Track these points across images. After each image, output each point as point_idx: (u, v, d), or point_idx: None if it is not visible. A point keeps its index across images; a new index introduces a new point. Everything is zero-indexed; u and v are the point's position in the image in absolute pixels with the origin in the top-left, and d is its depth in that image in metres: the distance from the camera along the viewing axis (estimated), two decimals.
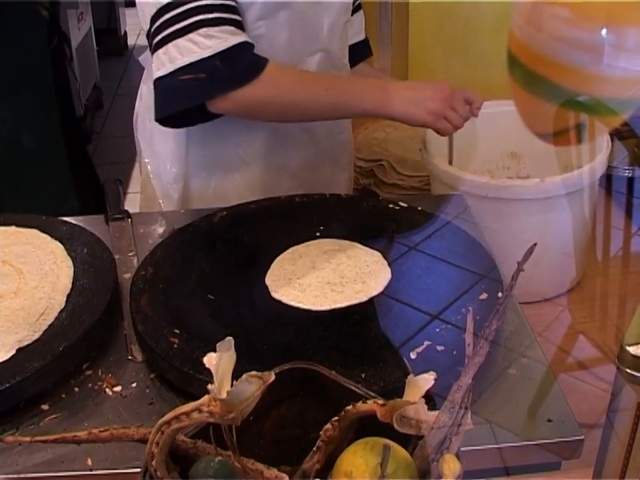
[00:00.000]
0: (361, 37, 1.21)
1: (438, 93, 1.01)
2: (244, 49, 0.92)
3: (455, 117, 1.02)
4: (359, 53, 1.21)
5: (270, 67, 0.93)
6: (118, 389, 0.73)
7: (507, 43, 0.55)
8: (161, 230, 0.97)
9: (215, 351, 0.51)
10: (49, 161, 1.86)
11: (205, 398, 0.48)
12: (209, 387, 0.48)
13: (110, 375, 0.74)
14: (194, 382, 0.68)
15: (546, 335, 0.92)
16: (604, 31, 0.49)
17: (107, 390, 0.73)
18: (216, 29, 0.89)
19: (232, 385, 0.48)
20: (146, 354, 0.76)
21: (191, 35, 0.88)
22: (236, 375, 0.49)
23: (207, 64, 0.89)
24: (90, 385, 0.73)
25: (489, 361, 0.69)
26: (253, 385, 0.47)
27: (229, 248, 0.90)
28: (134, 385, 0.73)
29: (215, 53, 0.89)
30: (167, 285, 0.82)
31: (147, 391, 0.72)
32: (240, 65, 0.91)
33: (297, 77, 0.98)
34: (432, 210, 0.97)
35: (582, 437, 0.67)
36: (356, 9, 1.18)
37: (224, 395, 0.47)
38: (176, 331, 0.74)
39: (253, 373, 0.47)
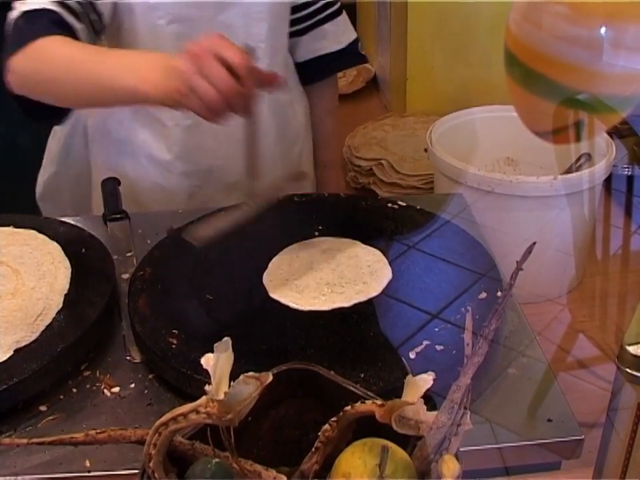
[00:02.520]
0: (335, 47, 1.17)
1: (186, 53, 0.74)
2: (44, 15, 0.86)
3: (202, 88, 0.73)
4: (331, 64, 1.18)
5: (54, 38, 0.85)
6: (116, 389, 0.73)
7: (504, 40, 0.55)
8: (158, 230, 0.97)
9: (213, 351, 0.50)
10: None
11: (203, 399, 0.48)
12: (207, 388, 0.48)
13: (108, 376, 0.74)
14: (192, 382, 0.68)
15: (546, 334, 0.92)
16: (603, 28, 0.49)
17: (105, 391, 0.72)
18: None
19: (229, 386, 0.47)
20: (144, 354, 0.75)
21: None
22: (234, 376, 0.49)
23: (12, 24, 0.88)
24: (88, 386, 0.73)
25: (488, 360, 0.68)
26: (250, 386, 0.47)
27: (226, 247, 0.90)
28: (132, 385, 0.73)
29: (19, 12, 0.88)
30: (165, 285, 0.82)
31: (146, 391, 0.72)
32: (30, 29, 0.86)
33: (70, 47, 0.86)
34: (431, 209, 0.96)
35: (582, 437, 0.66)
36: (331, 15, 1.14)
37: (221, 396, 0.47)
38: (174, 331, 0.74)
39: (251, 373, 0.47)
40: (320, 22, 1.14)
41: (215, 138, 1.07)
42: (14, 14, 0.88)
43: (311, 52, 1.16)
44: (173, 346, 0.72)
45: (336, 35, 1.16)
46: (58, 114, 0.93)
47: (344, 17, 1.17)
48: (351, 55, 1.20)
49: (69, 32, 0.88)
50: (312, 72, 1.17)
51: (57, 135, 1.15)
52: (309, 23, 1.13)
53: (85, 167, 1.14)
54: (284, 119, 1.14)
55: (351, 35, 1.19)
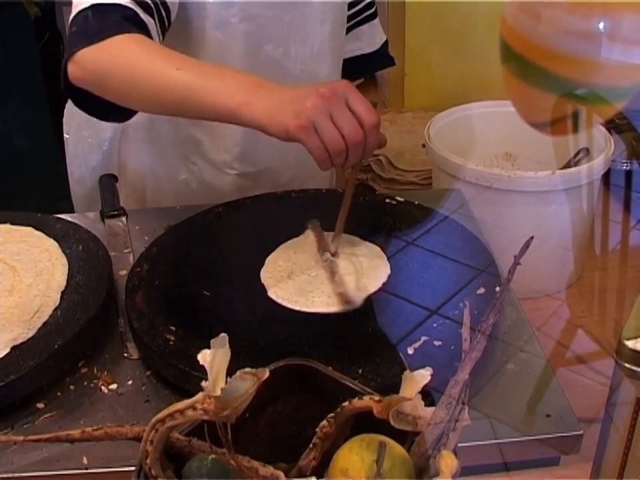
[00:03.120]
0: (370, 48, 1.17)
1: (314, 90, 0.72)
2: (117, 10, 0.81)
3: (329, 130, 0.71)
4: (365, 66, 1.18)
5: (132, 35, 0.80)
6: (114, 386, 0.72)
7: (500, 32, 0.54)
8: (156, 226, 0.97)
9: (208, 347, 0.50)
10: (42, 159, 1.85)
11: (199, 395, 0.48)
12: (203, 384, 0.48)
13: (106, 373, 0.74)
14: (190, 379, 0.68)
15: (544, 330, 0.92)
16: (600, 19, 0.49)
17: (103, 388, 0.72)
18: None
19: (226, 382, 0.47)
20: (142, 351, 0.75)
21: None
22: (230, 372, 0.49)
23: (81, 16, 0.82)
24: (85, 383, 0.73)
25: (486, 356, 0.68)
26: (247, 382, 0.47)
27: (224, 244, 0.90)
28: (130, 382, 0.73)
29: (89, 5, 0.82)
30: (163, 282, 0.82)
31: (143, 388, 0.72)
32: (103, 23, 0.81)
33: (151, 49, 0.81)
34: (430, 205, 0.96)
35: (581, 432, 0.66)
36: (370, 16, 1.15)
37: (218, 392, 0.46)
38: (172, 327, 0.74)
39: (247, 369, 0.47)
40: (360, 22, 1.14)
41: (271, 139, 1.08)
42: (81, 6, 0.82)
43: (347, 52, 1.15)
44: (171, 342, 0.72)
45: (371, 36, 1.17)
46: (122, 113, 0.87)
47: (377, 18, 1.17)
48: (382, 57, 1.21)
49: (143, 30, 0.83)
50: (346, 73, 1.16)
51: (93, 136, 1.14)
52: (351, 23, 1.14)
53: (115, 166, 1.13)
54: None
55: (383, 37, 1.19)
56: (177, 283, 0.82)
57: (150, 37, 0.84)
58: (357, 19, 1.14)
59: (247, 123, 0.75)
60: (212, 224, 0.93)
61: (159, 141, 1.09)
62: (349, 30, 1.14)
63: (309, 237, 0.89)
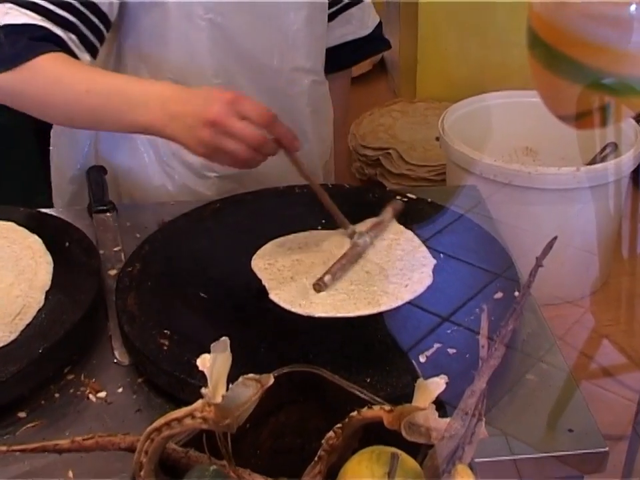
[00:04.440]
0: (362, 32, 1.18)
1: (206, 110, 0.81)
2: (27, 31, 0.87)
3: (234, 147, 0.81)
4: (357, 51, 1.19)
5: (43, 57, 0.86)
6: (102, 394, 0.73)
7: (527, 19, 0.55)
8: (148, 223, 0.98)
9: (208, 352, 0.51)
10: (18, 150, 1.86)
11: (199, 403, 0.48)
12: (203, 390, 0.49)
13: (93, 380, 0.75)
14: (185, 387, 0.69)
15: (567, 339, 0.93)
16: (633, 6, 0.49)
17: (91, 396, 0.73)
18: (21, 9, 0.87)
19: (227, 389, 0.48)
20: (133, 357, 0.76)
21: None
22: (231, 379, 0.50)
23: None
24: (72, 391, 0.74)
25: (504, 365, 0.69)
26: (250, 389, 0.48)
27: (222, 242, 0.91)
28: (120, 390, 0.74)
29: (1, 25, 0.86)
30: (156, 282, 0.83)
31: (134, 397, 0.73)
32: (13, 47, 0.86)
33: (61, 70, 0.88)
34: (443, 202, 0.97)
35: (606, 449, 0.67)
36: (354, 1, 1.16)
37: (219, 400, 0.47)
38: (166, 331, 0.75)
39: (251, 375, 0.48)
40: (347, 5, 1.15)
41: None
42: None
43: (337, 38, 1.16)
44: (165, 347, 0.73)
45: (362, 19, 1.17)
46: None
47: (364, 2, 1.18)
48: (377, 41, 1.21)
49: (61, 46, 0.89)
50: (337, 60, 1.17)
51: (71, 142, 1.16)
52: (337, 7, 1.14)
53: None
54: (323, 111, 1.16)
55: (376, 19, 1.20)
56: (172, 283, 0.83)
57: (70, 51, 0.89)
58: (342, 2, 1.15)
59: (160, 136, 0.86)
60: (209, 220, 0.94)
61: (132, 141, 1.10)
62: (336, 14, 1.15)
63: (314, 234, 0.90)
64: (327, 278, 0.79)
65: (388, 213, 0.91)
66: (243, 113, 0.81)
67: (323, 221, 0.93)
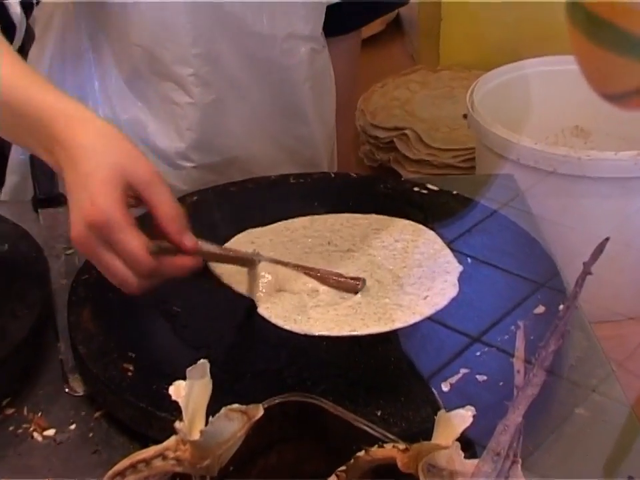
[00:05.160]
0: None
1: (85, 207, 0.73)
2: None
3: (109, 263, 0.74)
4: (368, 9, 1.20)
5: None
6: (50, 432, 0.74)
7: None
8: None
9: (183, 379, 0.52)
10: None
11: (171, 440, 0.49)
12: (177, 425, 0.49)
13: (39, 415, 0.75)
14: (154, 422, 0.70)
15: (628, 365, 0.93)
16: None
17: (36, 434, 0.73)
18: None
19: (207, 423, 0.49)
20: (89, 385, 0.77)
21: None
22: (212, 411, 0.51)
23: None
24: (11, 428, 0.74)
25: (546, 396, 0.70)
26: (234, 423, 0.49)
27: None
28: (72, 427, 0.74)
29: None
30: (119, 294, 0.83)
31: (90, 435, 0.74)
32: None
33: None
34: (472, 195, 0.98)
35: None
36: None
37: (196, 436, 0.48)
38: (130, 354, 0.76)
39: (235, 406, 0.49)
40: None
41: (240, 119, 1.10)
42: None
43: None
44: (129, 373, 0.74)
45: None
46: None
47: None
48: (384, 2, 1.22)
49: None
50: (342, 20, 1.18)
51: None
52: None
53: None
54: (324, 85, 1.17)
55: None
56: (138, 295, 0.84)
57: None
58: None
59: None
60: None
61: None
62: None
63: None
64: None
65: None
66: (121, 249, 0.73)
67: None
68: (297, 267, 0.84)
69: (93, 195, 0.72)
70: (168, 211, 0.75)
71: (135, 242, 0.72)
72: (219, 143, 1.12)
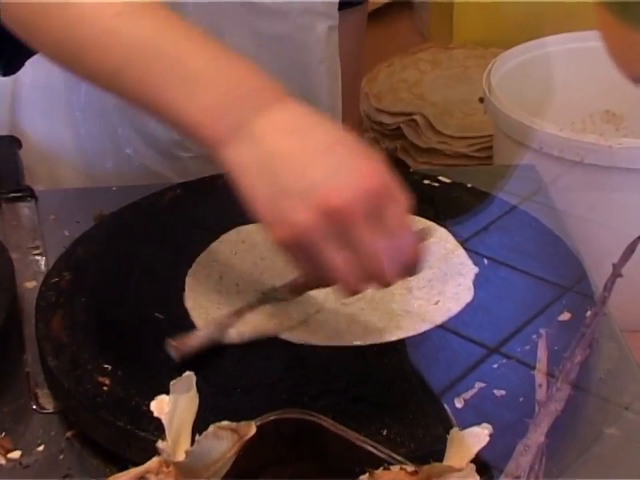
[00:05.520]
0: None
1: (332, 187, 0.65)
2: None
3: (342, 264, 0.66)
4: None
5: None
6: (16, 454, 0.74)
7: None
8: (81, 216, 0.99)
9: (166, 393, 0.53)
10: None
11: (154, 461, 0.50)
12: (159, 445, 0.50)
13: (3, 435, 0.75)
14: (133, 442, 0.69)
15: None
16: None
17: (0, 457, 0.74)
18: None
19: (193, 443, 0.49)
20: (60, 401, 0.77)
21: None
22: (199, 428, 0.51)
23: None
24: None
25: (572, 413, 0.70)
26: (223, 442, 0.49)
27: (184, 244, 0.92)
28: (41, 448, 0.74)
29: None
30: (93, 298, 0.84)
31: (61, 457, 0.74)
32: None
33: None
34: (488, 188, 0.99)
35: None
36: None
37: (181, 457, 0.49)
38: (106, 366, 0.76)
39: (224, 423, 0.49)
40: None
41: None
42: None
43: None
44: (104, 388, 0.74)
45: None
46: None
47: None
48: None
49: None
50: None
51: None
52: None
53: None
54: (335, 66, 1.18)
55: None
56: (115, 299, 0.85)
57: None
58: None
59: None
60: (165, 213, 0.96)
61: (68, 106, 1.11)
62: None
63: None
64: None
65: None
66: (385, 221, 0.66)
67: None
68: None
69: (355, 159, 0.66)
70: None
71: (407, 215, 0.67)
72: None
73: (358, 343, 0.78)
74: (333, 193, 0.64)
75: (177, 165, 1.12)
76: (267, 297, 0.80)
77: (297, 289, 0.79)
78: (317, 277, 0.71)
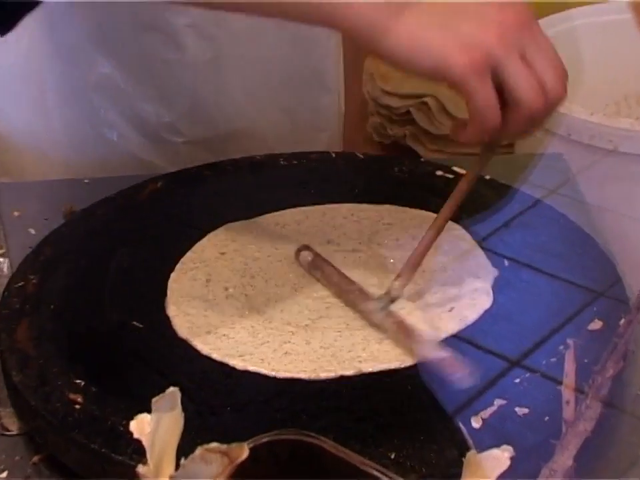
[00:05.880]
0: None
1: (491, 14, 0.78)
2: None
3: (521, 74, 0.77)
4: None
5: None
6: None
7: None
8: (49, 212, 1.00)
9: (147, 411, 0.53)
10: None
11: None
12: (140, 469, 0.50)
13: None
14: (109, 467, 0.70)
15: None
16: None
17: None
18: None
19: (178, 466, 0.50)
20: (26, 422, 0.77)
21: None
22: (184, 451, 0.51)
23: None
24: None
25: (604, 433, 0.70)
26: (212, 467, 0.49)
27: (165, 243, 0.93)
28: (3, 475, 0.74)
29: None
30: (63, 305, 0.84)
31: None
32: None
33: None
34: (509, 180, 0.99)
35: None
36: None
37: None
38: (78, 381, 0.76)
39: (213, 445, 0.49)
40: None
41: (245, 82, 1.11)
42: None
43: None
44: (76, 406, 0.74)
45: None
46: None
47: None
48: None
49: None
50: None
51: None
52: None
53: None
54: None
55: None
56: (88, 306, 0.85)
57: None
58: None
59: (374, 53, 0.81)
60: (145, 209, 0.97)
61: (37, 87, 1.12)
62: None
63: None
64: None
65: None
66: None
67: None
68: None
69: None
70: None
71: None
72: (216, 113, 1.12)
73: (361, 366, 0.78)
74: (508, 15, 0.77)
75: (167, 151, 1.13)
76: None
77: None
78: (486, 115, 0.78)
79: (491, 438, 0.67)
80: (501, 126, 0.78)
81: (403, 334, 0.79)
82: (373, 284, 0.86)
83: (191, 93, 1.10)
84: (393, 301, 0.82)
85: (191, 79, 1.09)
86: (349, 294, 0.84)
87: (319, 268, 0.86)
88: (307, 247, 0.88)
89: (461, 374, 0.72)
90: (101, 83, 1.10)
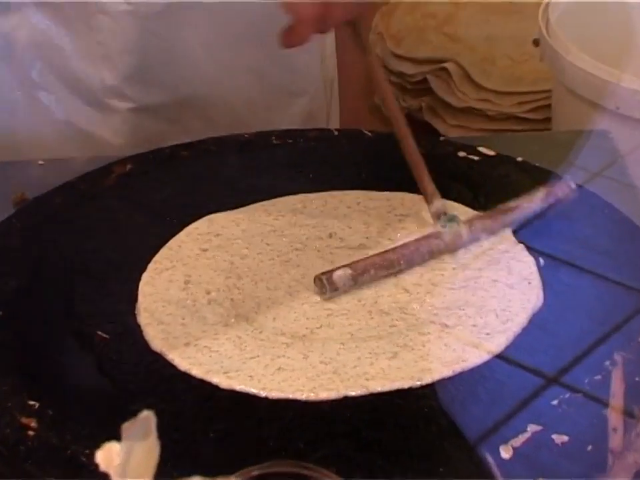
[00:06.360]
0: None
1: None
2: None
3: None
4: None
5: None
6: None
7: None
8: None
9: (116, 439, 0.53)
10: None
11: None
12: None
13: None
14: None
15: None
16: None
17: None
18: None
19: None
20: None
21: None
22: None
23: None
24: None
25: None
26: None
27: (136, 238, 0.94)
28: None
29: None
30: (12, 312, 0.85)
31: None
32: None
33: None
34: (546, 162, 1.00)
35: None
36: None
37: None
38: (32, 402, 0.76)
39: (195, 479, 0.50)
40: None
41: (203, 37, 1.11)
42: None
43: None
44: (30, 432, 0.74)
45: None
46: None
47: None
48: None
49: None
50: None
51: None
52: None
53: None
54: None
55: None
56: (43, 313, 0.85)
57: None
58: None
59: None
60: (112, 197, 0.97)
61: None
62: None
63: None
64: (338, 273, 0.82)
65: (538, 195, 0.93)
66: None
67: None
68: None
69: None
70: None
71: None
72: (168, 74, 1.13)
73: (364, 392, 0.78)
74: None
75: (112, 119, 1.13)
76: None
77: None
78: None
79: (523, 470, 0.67)
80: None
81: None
82: (383, 287, 0.86)
83: (137, 49, 1.10)
84: (446, 214, 0.89)
85: (138, 33, 1.09)
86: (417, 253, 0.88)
87: (366, 271, 0.86)
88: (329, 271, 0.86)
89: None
90: (34, 38, 1.10)
